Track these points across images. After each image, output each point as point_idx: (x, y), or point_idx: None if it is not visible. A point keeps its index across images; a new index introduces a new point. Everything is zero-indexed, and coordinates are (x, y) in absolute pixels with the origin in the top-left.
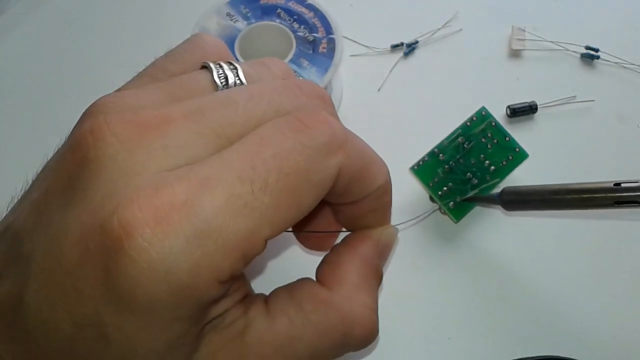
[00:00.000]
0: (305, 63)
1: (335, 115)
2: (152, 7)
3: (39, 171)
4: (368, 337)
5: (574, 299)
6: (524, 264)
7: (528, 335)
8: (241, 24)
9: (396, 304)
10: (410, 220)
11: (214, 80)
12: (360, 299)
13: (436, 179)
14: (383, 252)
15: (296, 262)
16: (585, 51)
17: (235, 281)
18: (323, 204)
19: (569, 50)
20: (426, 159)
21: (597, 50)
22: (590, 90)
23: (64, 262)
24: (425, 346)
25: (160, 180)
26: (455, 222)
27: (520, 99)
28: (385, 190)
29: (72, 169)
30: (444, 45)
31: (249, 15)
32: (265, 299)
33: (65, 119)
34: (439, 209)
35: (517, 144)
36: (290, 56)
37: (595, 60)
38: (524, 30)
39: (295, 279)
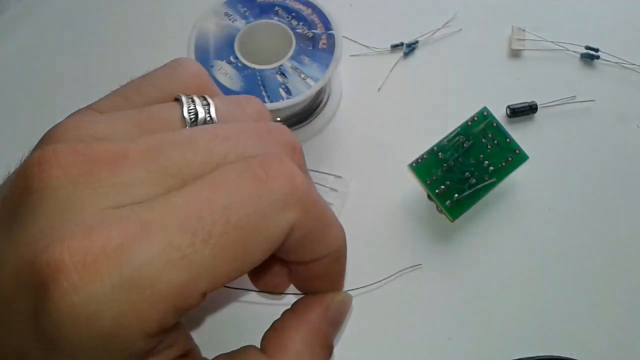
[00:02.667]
0: (306, 60)
1: (302, 167)
2: (151, 8)
3: None
4: None
5: (573, 299)
6: (522, 263)
7: (528, 335)
8: (239, 23)
9: (395, 304)
10: (371, 284)
11: (183, 116)
12: None
13: (434, 177)
14: (334, 320)
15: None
16: (585, 51)
17: (169, 335)
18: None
19: (569, 50)
20: (425, 156)
21: (597, 50)
22: (590, 90)
23: (1, 291)
24: (425, 346)
25: (98, 220)
26: (452, 221)
27: (520, 99)
28: (338, 257)
29: (16, 197)
30: (444, 45)
31: (247, 14)
32: None
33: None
34: (436, 207)
35: (517, 145)
36: (290, 53)
37: (595, 60)
38: (524, 30)
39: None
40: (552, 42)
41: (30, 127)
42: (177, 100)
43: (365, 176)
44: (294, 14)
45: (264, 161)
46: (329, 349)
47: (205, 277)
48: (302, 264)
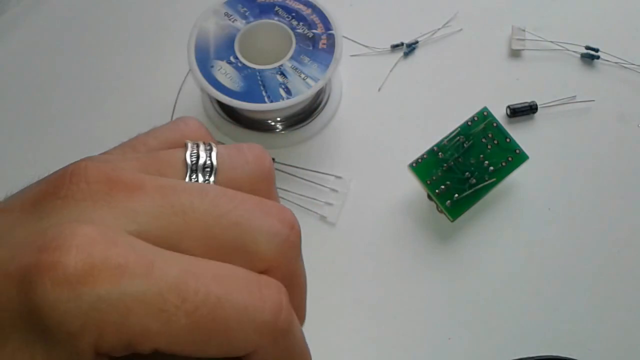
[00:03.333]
0: (306, 60)
1: (297, 246)
2: (151, 8)
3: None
4: None
5: (573, 298)
6: (522, 263)
7: (528, 335)
8: (240, 23)
9: (395, 304)
10: None
11: (185, 159)
12: None
13: (434, 177)
14: None
15: None
16: (585, 51)
17: None
18: None
19: (569, 50)
20: (425, 156)
21: (597, 50)
22: (590, 90)
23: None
24: (425, 346)
25: (108, 237)
26: (452, 221)
27: (520, 99)
28: None
29: (40, 199)
30: (444, 45)
31: (247, 14)
32: None
33: (65, 119)
34: (436, 207)
35: (517, 145)
36: (290, 53)
37: (595, 60)
38: (524, 30)
39: None
40: (552, 42)
41: (30, 127)
42: (185, 146)
43: (365, 176)
44: (294, 14)
45: (264, 281)
46: None
47: (167, 339)
48: None
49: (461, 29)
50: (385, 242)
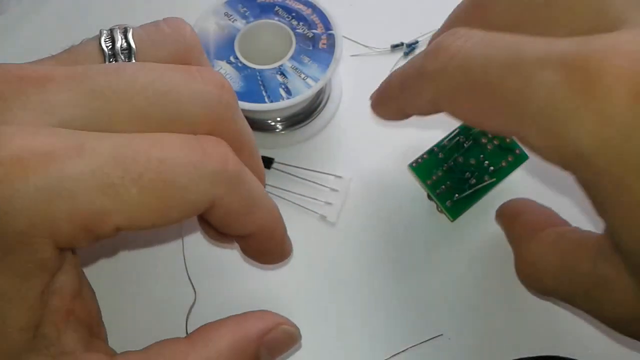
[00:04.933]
0: (306, 60)
1: (234, 105)
2: (151, 8)
3: None
4: None
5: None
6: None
7: (528, 335)
8: (240, 23)
9: (395, 304)
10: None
11: (100, 45)
12: None
13: (434, 177)
14: (271, 346)
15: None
16: None
17: (70, 277)
18: None
19: None
20: (425, 157)
21: None
22: None
23: None
24: (425, 346)
25: (30, 130)
26: (452, 221)
27: None
28: (269, 237)
29: None
30: None
31: (247, 14)
32: (116, 357)
33: None
34: (436, 207)
35: (517, 145)
36: (290, 53)
37: None
38: None
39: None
40: None
41: None
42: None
43: (365, 176)
44: (294, 14)
45: (203, 138)
46: None
47: (124, 213)
48: (235, 237)
49: None
50: (385, 242)
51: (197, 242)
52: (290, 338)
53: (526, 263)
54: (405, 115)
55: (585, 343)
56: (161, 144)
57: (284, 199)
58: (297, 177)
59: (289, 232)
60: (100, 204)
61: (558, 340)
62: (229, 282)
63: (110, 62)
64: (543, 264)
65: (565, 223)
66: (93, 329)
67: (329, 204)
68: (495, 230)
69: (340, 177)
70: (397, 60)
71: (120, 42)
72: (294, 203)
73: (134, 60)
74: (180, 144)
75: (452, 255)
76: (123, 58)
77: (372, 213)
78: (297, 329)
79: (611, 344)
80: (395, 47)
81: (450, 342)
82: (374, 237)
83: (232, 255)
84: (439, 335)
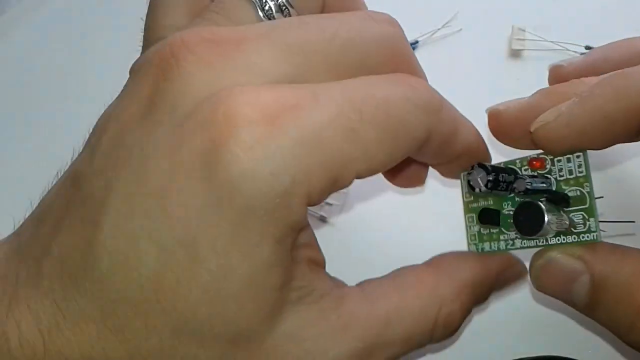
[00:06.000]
0: None
1: (410, 48)
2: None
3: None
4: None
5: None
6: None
7: (528, 335)
8: None
9: None
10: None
11: (258, 13)
12: (457, 297)
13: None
14: (504, 283)
15: None
16: (585, 51)
17: (305, 231)
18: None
19: (569, 50)
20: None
21: None
22: None
23: (150, 183)
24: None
25: (263, 87)
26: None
27: None
28: (475, 150)
29: (152, 91)
30: (444, 45)
31: None
32: (359, 285)
33: (65, 119)
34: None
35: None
36: None
37: None
38: (524, 30)
39: None
40: (552, 42)
41: (31, 127)
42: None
43: None
44: None
45: (404, 75)
46: (476, 301)
47: (365, 158)
48: (442, 164)
49: (461, 29)
50: (385, 242)
51: None
52: (519, 276)
53: None
54: None
55: (586, 343)
56: (375, 85)
57: None
58: None
59: None
60: (347, 150)
61: (558, 340)
62: None
63: (267, 14)
64: None
65: None
66: (324, 266)
67: (329, 204)
68: None
69: None
70: None
71: (277, 6)
72: None
73: (292, 10)
74: (389, 82)
75: None
76: (281, 11)
77: (372, 213)
78: (525, 266)
79: (611, 344)
80: None
81: (450, 341)
82: (374, 237)
83: None
84: None
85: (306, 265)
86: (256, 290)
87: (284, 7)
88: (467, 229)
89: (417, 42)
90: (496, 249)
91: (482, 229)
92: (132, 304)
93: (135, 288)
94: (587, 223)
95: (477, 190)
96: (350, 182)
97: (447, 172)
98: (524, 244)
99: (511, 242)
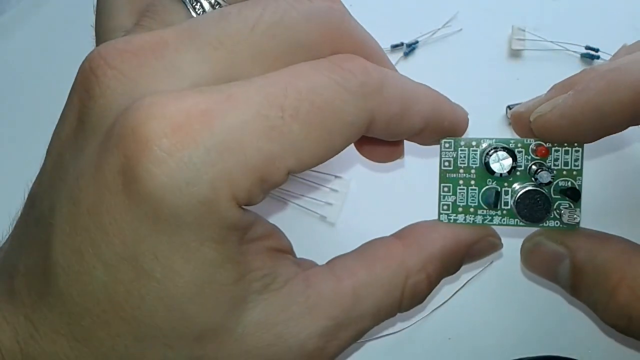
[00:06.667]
0: None
1: (357, 30)
2: None
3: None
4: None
5: (574, 298)
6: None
7: (528, 335)
8: None
9: None
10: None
11: (190, 13)
12: (425, 267)
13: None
14: (475, 254)
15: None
16: (585, 51)
17: (258, 225)
18: None
19: (569, 50)
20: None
21: (597, 50)
22: None
23: (84, 201)
24: (425, 346)
25: (174, 94)
26: None
27: (520, 99)
28: (439, 121)
29: (80, 110)
30: (444, 45)
31: None
32: (328, 264)
33: None
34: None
35: None
36: None
37: (595, 60)
38: (524, 30)
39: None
40: (552, 42)
41: (31, 127)
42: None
43: (365, 176)
44: None
45: (335, 58)
46: (447, 271)
47: (293, 153)
48: (410, 139)
49: (461, 29)
50: None
51: None
52: (493, 248)
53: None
54: None
55: (585, 343)
56: (300, 74)
57: (284, 199)
58: (297, 177)
59: (289, 233)
60: (269, 149)
61: (558, 340)
62: None
63: (198, 13)
64: None
65: None
66: (290, 252)
67: (329, 204)
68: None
69: (340, 177)
70: (397, 60)
71: (208, 7)
72: (294, 203)
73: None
74: (317, 69)
75: None
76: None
77: (372, 213)
78: (499, 238)
79: (611, 343)
80: (395, 47)
81: (451, 341)
82: (374, 237)
83: None
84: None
85: (267, 255)
86: (209, 288)
87: (216, 5)
88: (439, 199)
89: (417, 42)
90: (471, 222)
91: (458, 201)
92: (93, 315)
93: (92, 300)
94: (572, 211)
95: (497, 174)
96: (284, 178)
97: (421, 142)
98: (503, 221)
99: (489, 217)
